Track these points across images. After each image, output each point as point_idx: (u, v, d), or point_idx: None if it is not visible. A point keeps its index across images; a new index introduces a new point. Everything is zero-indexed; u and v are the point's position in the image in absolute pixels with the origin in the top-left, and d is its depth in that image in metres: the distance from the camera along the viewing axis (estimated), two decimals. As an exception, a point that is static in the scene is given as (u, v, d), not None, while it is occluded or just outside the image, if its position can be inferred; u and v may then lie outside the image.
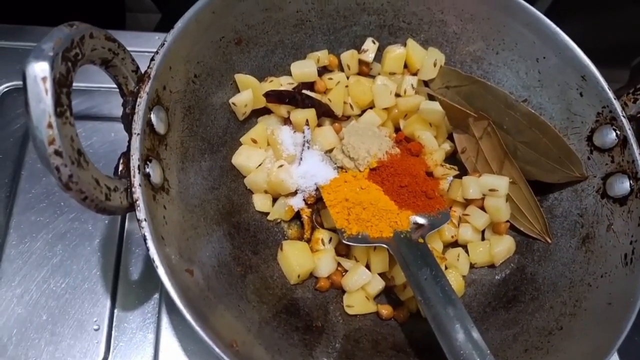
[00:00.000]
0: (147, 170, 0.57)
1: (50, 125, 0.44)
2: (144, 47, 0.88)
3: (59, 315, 0.72)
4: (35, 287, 0.73)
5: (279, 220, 0.77)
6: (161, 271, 0.52)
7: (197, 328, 0.51)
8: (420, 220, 0.72)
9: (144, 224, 0.53)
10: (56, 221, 0.78)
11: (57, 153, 0.45)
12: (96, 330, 0.72)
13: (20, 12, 0.98)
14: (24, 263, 0.75)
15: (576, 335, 0.65)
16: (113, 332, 0.72)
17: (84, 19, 0.72)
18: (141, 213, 0.54)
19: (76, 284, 0.74)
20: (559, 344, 0.65)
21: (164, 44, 0.62)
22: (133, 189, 0.54)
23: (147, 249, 0.53)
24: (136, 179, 0.54)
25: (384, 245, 0.69)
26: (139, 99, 0.58)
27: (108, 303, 0.74)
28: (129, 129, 0.57)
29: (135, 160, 0.55)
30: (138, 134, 0.56)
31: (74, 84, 0.85)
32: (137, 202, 0.54)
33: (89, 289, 0.75)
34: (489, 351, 0.58)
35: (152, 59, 0.60)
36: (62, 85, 0.46)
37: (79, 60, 0.49)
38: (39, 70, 0.44)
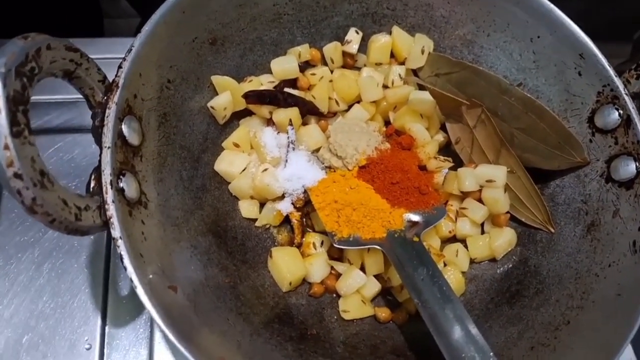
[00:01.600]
0: (121, 185, 0.54)
1: (6, 147, 0.42)
2: (122, 54, 0.86)
3: (49, 336, 0.70)
4: (24, 308, 0.71)
5: (267, 226, 0.74)
6: (140, 291, 0.50)
7: (182, 348, 0.49)
8: (415, 217, 0.69)
9: (119, 242, 0.51)
10: (41, 240, 0.76)
11: (17, 176, 0.42)
12: (88, 349, 0.70)
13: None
14: (11, 284, 0.73)
15: (584, 330, 0.62)
16: (105, 350, 0.70)
17: (60, 28, 0.70)
18: (116, 231, 0.51)
19: (65, 302, 0.73)
20: (567, 339, 0.62)
21: (131, 49, 0.59)
22: (106, 206, 0.52)
23: (125, 269, 0.50)
24: (109, 195, 0.52)
25: (377, 247, 0.66)
26: (107, 110, 0.55)
27: (99, 320, 0.72)
28: (99, 142, 0.55)
29: (107, 176, 0.53)
30: (109, 147, 0.54)
31: (52, 97, 0.86)
32: (111, 220, 0.51)
33: (79, 307, 0.73)
34: (491, 352, 0.56)
35: (120, 67, 0.58)
36: (17, 103, 0.43)
37: (36, 75, 0.47)
38: (-10, 88, 0.41)
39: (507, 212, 0.74)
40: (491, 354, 0.55)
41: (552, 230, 0.73)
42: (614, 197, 0.68)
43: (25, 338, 0.69)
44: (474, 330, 0.57)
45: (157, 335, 0.71)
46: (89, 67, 0.55)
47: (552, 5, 0.72)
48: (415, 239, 0.66)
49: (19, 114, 0.43)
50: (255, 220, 0.74)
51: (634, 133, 0.67)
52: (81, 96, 0.58)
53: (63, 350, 0.70)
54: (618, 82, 0.68)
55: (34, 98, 0.84)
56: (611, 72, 0.69)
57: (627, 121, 0.67)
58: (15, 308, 0.71)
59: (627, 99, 0.67)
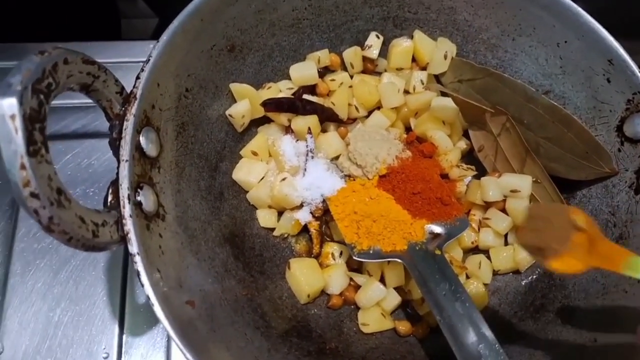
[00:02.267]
0: (139, 198, 0.53)
1: (23, 167, 0.41)
2: (141, 57, 0.85)
3: (67, 344, 0.71)
4: (42, 316, 0.72)
5: (285, 236, 0.73)
6: (157, 308, 0.49)
7: (199, 368, 0.48)
8: (437, 229, 0.67)
9: (137, 258, 0.50)
10: (59, 246, 0.76)
11: (34, 195, 0.42)
12: (105, 358, 0.70)
13: (11, 28, 0.95)
14: (30, 292, 0.73)
15: (613, 349, 0.60)
16: (123, 359, 0.70)
17: (77, 29, 0.69)
18: (133, 247, 0.50)
19: (82, 310, 0.73)
20: (594, 358, 0.60)
21: (149, 59, 0.58)
22: (124, 221, 0.51)
23: (142, 285, 0.50)
24: (126, 210, 0.51)
25: (398, 260, 0.64)
26: (125, 122, 0.54)
27: (116, 329, 0.72)
28: (117, 154, 0.54)
29: (124, 190, 0.52)
30: (127, 161, 0.53)
31: (70, 102, 0.86)
32: (129, 235, 0.50)
33: (96, 315, 0.73)
34: (516, 373, 0.54)
35: (138, 77, 0.56)
36: (34, 121, 0.42)
37: (52, 91, 0.46)
38: (7, 107, 0.40)
39: (532, 223, 0.72)
40: (516, 374, 0.54)
41: (579, 243, 0.71)
42: (644, 209, 0.66)
43: (43, 346, 0.70)
44: (498, 348, 0.56)
45: (175, 345, 0.70)
46: (107, 79, 0.54)
47: (579, 9, 0.69)
48: (437, 251, 0.65)
49: (36, 132, 0.42)
50: (273, 229, 0.73)
51: (665, 143, 0.64)
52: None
53: (81, 358, 0.70)
54: (649, 89, 0.66)
55: (52, 103, 0.85)
56: (642, 79, 0.66)
57: (658, 131, 0.65)
58: (33, 315, 0.71)
59: (659, 107, 0.65)
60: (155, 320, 0.73)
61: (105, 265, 0.75)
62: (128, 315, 0.73)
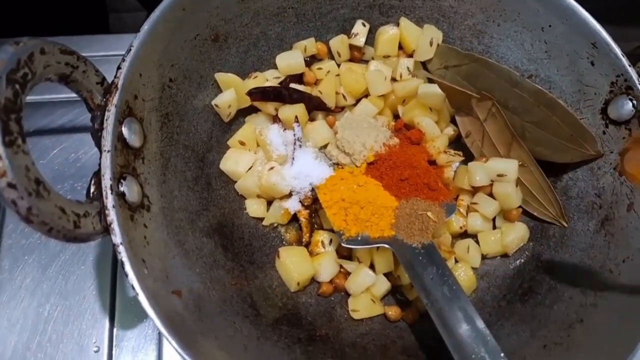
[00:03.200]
0: (122, 189, 0.53)
1: (-1, 157, 0.41)
2: (127, 51, 0.85)
3: (57, 339, 0.70)
4: (31, 311, 0.71)
5: (275, 225, 0.73)
6: (142, 298, 0.49)
7: (186, 356, 0.48)
8: (424, 214, 0.67)
9: (120, 248, 0.50)
10: (48, 242, 0.75)
11: (11, 186, 0.41)
12: (96, 352, 0.70)
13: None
14: (18, 288, 0.73)
15: (599, 328, 0.60)
16: (114, 352, 0.70)
17: (64, 24, 0.68)
18: (116, 237, 0.50)
19: (72, 305, 0.72)
20: (580, 338, 0.61)
21: (130, 49, 0.57)
22: (106, 212, 0.51)
23: (126, 275, 0.49)
24: (109, 201, 0.51)
25: (386, 246, 0.64)
26: (107, 113, 0.54)
27: (107, 322, 0.72)
28: (99, 145, 0.54)
29: (107, 180, 0.51)
30: (108, 151, 0.52)
31: (56, 96, 0.85)
32: (112, 226, 0.50)
33: (86, 309, 0.72)
34: (502, 353, 0.55)
35: (119, 67, 0.56)
36: (9, 112, 0.42)
37: (29, 81, 0.45)
38: (-20, 98, 0.40)
39: (519, 207, 0.73)
40: (502, 354, 0.54)
41: (565, 225, 0.71)
42: (629, 190, 0.66)
43: (33, 341, 0.69)
44: (484, 330, 0.56)
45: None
46: (86, 69, 0.54)
47: (563, -8, 0.70)
48: (425, 237, 0.65)
49: (12, 123, 0.42)
50: (262, 219, 0.73)
51: (649, 124, 0.64)
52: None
53: (71, 353, 0.69)
54: (632, 72, 0.66)
55: (36, 98, 0.85)
56: (625, 61, 0.66)
57: (641, 112, 0.65)
58: (22, 311, 0.71)
59: (642, 89, 0.65)
60: (145, 313, 0.71)
61: (95, 259, 0.75)
62: (118, 309, 0.73)
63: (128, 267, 0.49)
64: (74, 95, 0.86)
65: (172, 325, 0.49)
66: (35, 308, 0.71)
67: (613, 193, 0.68)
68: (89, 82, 0.54)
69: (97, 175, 0.52)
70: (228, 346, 0.55)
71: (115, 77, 0.55)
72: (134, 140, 0.57)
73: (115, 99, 0.54)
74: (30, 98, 0.45)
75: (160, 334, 0.71)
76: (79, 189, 0.79)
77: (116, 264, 0.75)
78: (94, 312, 0.72)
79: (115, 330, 0.71)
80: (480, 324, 0.56)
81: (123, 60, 0.57)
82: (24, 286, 0.72)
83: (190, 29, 0.66)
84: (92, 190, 0.53)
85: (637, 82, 0.65)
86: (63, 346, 0.70)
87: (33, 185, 0.43)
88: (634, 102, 0.66)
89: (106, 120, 0.53)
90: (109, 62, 0.62)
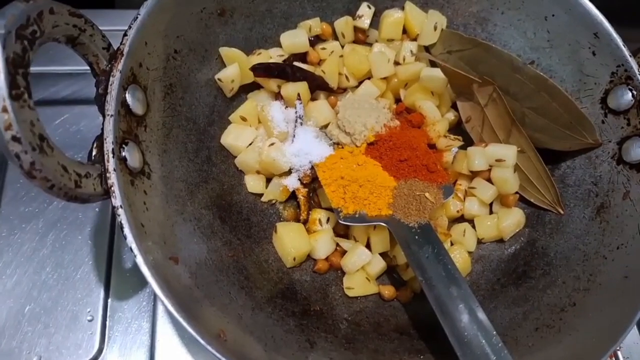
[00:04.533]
0: (123, 153, 0.53)
1: (5, 110, 0.41)
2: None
3: (51, 307, 0.70)
4: (26, 279, 0.71)
5: (274, 201, 0.74)
6: (140, 260, 0.50)
7: (180, 319, 0.49)
8: (422, 195, 0.68)
9: (120, 210, 0.50)
10: (46, 210, 0.75)
11: (15, 139, 0.42)
12: (90, 320, 0.70)
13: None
14: (15, 255, 0.73)
15: (590, 312, 0.61)
16: (108, 322, 0.70)
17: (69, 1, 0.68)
18: (117, 200, 0.50)
19: (68, 274, 0.72)
20: (572, 321, 0.62)
21: (137, 17, 0.58)
22: (108, 174, 0.51)
23: (125, 237, 0.50)
24: (110, 164, 0.51)
25: (383, 224, 0.65)
26: (111, 78, 0.54)
27: (102, 293, 0.72)
28: (102, 110, 0.54)
29: (109, 144, 0.52)
30: (112, 115, 0.53)
31: (60, 68, 0.86)
32: (112, 188, 0.51)
33: (82, 279, 0.72)
34: (494, 332, 0.55)
35: (125, 34, 0.56)
36: (17, 66, 0.42)
37: (37, 39, 0.46)
38: (-11, 50, 0.40)
39: (516, 193, 0.74)
40: (494, 333, 0.55)
41: (562, 212, 0.72)
42: (625, 179, 0.67)
43: (27, 308, 0.69)
44: (478, 309, 0.56)
45: (160, 309, 0.71)
46: (93, 33, 0.54)
47: (567, -17, 0.70)
48: (422, 217, 0.65)
49: (19, 77, 0.42)
50: (261, 195, 0.73)
51: (647, 115, 0.65)
52: (88, 67, 0.57)
53: (65, 321, 0.69)
54: (632, 62, 0.67)
55: (41, 69, 0.85)
56: (626, 52, 0.67)
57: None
58: (18, 278, 0.71)
59: (642, 79, 0.66)
60: (141, 286, 0.73)
61: (92, 230, 0.75)
62: (114, 280, 0.73)
63: (127, 230, 0.50)
64: (78, 67, 0.87)
65: (168, 288, 0.50)
66: (30, 275, 0.71)
67: (610, 181, 0.68)
68: (96, 46, 0.55)
69: (100, 139, 0.53)
70: (223, 314, 0.55)
71: (121, 43, 0.56)
72: (137, 108, 0.57)
73: (120, 64, 0.54)
74: (34, 68, 0.45)
75: (154, 306, 0.71)
76: (80, 160, 0.79)
77: (113, 236, 0.75)
78: (89, 282, 0.72)
79: (109, 300, 0.71)
80: (475, 303, 0.57)
81: (129, 27, 0.57)
82: (21, 253, 0.72)
83: (198, 1, 0.66)
84: (94, 153, 0.54)
85: (637, 72, 0.66)
86: (57, 314, 0.70)
87: (37, 140, 0.43)
88: (634, 92, 0.67)
89: (111, 85, 0.54)
90: (114, 37, 0.63)
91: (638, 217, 0.64)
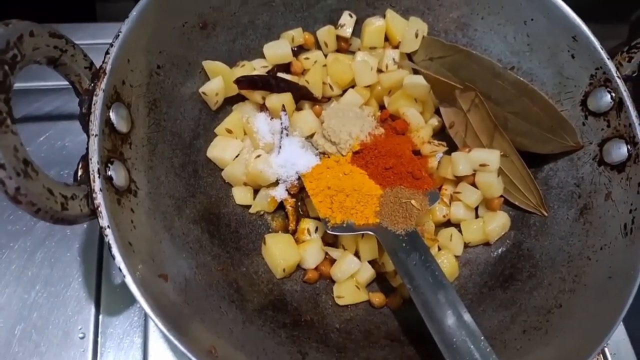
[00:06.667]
0: (109, 173, 0.53)
1: (-14, 137, 0.41)
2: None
3: (42, 325, 0.70)
4: (16, 298, 0.71)
5: (262, 213, 0.74)
6: (129, 280, 0.50)
7: (172, 337, 0.49)
8: (408, 202, 0.69)
9: (107, 231, 0.50)
10: (33, 228, 0.75)
11: (-1, 165, 0.41)
12: (82, 338, 0.70)
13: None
14: (3, 274, 0.72)
15: (576, 313, 0.62)
16: (99, 339, 0.70)
17: (50, 12, 0.68)
18: (104, 220, 0.50)
19: (58, 291, 0.72)
20: (559, 322, 0.63)
21: (118, 35, 0.58)
22: (94, 195, 0.51)
23: (113, 258, 0.50)
24: (96, 184, 0.51)
25: (371, 233, 0.65)
26: (94, 97, 0.54)
27: (92, 309, 0.72)
28: (86, 129, 0.54)
29: (94, 164, 0.52)
30: (96, 135, 0.53)
31: (43, 84, 0.85)
32: (99, 209, 0.51)
33: (72, 296, 0.72)
34: (482, 337, 0.56)
35: (107, 53, 0.56)
36: (-2, 92, 0.42)
37: (17, 63, 0.46)
38: (-31, 77, 0.40)
39: (501, 196, 0.74)
40: (482, 338, 0.55)
41: (546, 214, 0.73)
42: (606, 180, 0.68)
43: (17, 328, 0.69)
44: (465, 315, 0.57)
45: (152, 324, 0.71)
46: (75, 53, 0.54)
47: (545, -12, 0.72)
48: (409, 224, 0.66)
49: (0, 103, 0.42)
50: (249, 207, 0.73)
51: (626, 116, 0.66)
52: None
53: (56, 339, 0.69)
54: (610, 64, 0.68)
55: (23, 85, 0.84)
56: (603, 54, 0.68)
57: (619, 104, 0.67)
58: (7, 298, 0.71)
59: (619, 81, 0.67)
60: (132, 300, 0.72)
61: (81, 246, 0.75)
62: (104, 295, 0.72)
63: (115, 250, 0.50)
64: (61, 82, 0.85)
65: (159, 307, 0.50)
66: (20, 294, 0.71)
67: (592, 183, 0.70)
68: (78, 66, 0.55)
69: (85, 158, 0.53)
70: (214, 330, 0.56)
71: (103, 62, 0.56)
72: (122, 125, 0.57)
73: (103, 83, 0.54)
74: (16, 85, 0.45)
75: (146, 321, 0.71)
76: (65, 177, 0.78)
77: (102, 251, 0.75)
78: (79, 299, 0.72)
79: (101, 317, 0.71)
80: (462, 308, 0.57)
81: (111, 45, 0.57)
82: (9, 272, 0.72)
83: (179, 16, 0.66)
84: (79, 173, 0.53)
85: (615, 74, 0.67)
86: (48, 332, 0.69)
87: (21, 165, 0.43)
88: (612, 94, 0.68)
89: (94, 104, 0.54)
90: (96, 50, 0.62)
91: (620, 218, 0.65)
